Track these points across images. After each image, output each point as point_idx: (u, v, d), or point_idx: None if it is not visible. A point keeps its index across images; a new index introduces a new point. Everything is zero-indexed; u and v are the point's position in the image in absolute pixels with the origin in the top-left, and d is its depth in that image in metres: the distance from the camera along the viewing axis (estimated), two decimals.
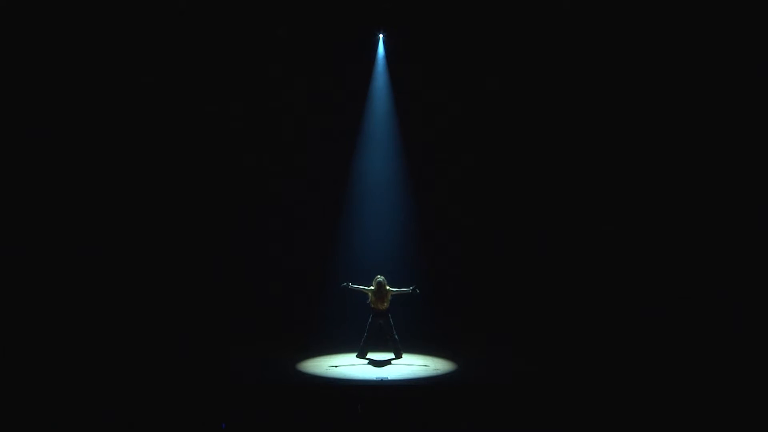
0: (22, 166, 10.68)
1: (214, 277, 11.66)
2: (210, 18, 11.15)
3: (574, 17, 11.07)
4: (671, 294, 10.84)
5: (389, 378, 9.20)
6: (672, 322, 10.66)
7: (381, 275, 10.26)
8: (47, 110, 10.78)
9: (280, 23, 11.24)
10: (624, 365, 9.48)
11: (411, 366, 9.93)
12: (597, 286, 11.33)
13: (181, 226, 11.60)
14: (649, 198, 11.23)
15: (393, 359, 10.17)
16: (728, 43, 10.59)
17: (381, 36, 11.87)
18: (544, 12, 11.14)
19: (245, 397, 7.95)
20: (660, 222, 11.15)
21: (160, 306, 11.26)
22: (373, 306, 10.20)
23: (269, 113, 11.80)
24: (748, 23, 10.42)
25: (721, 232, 10.74)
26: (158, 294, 11.30)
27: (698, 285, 10.71)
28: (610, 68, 11.24)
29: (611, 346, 10.45)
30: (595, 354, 10.26)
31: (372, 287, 10.17)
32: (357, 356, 10.26)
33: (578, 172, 11.64)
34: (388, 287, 10.17)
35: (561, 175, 11.72)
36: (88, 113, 11.11)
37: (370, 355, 10.31)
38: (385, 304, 10.16)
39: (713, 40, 10.66)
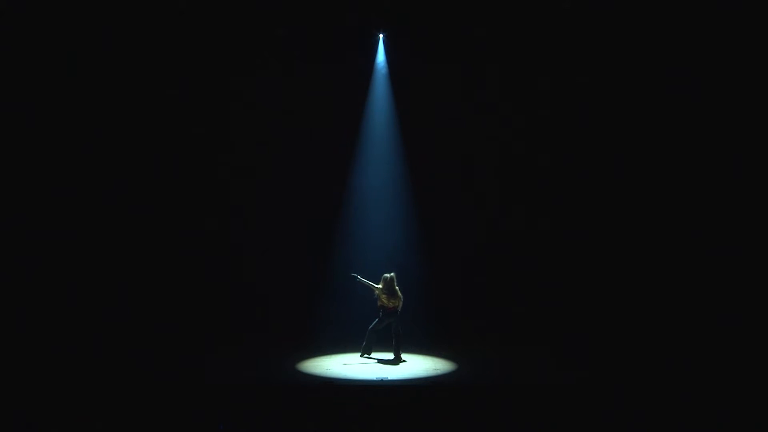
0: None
1: (214, 277, 11.66)
2: (208, 18, 11.13)
3: (576, 16, 11.04)
4: (669, 295, 10.86)
5: (389, 378, 9.20)
6: (672, 322, 10.68)
7: (390, 273, 10.21)
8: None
9: (278, 23, 11.21)
10: (624, 366, 9.48)
11: (411, 366, 9.92)
12: (597, 286, 11.32)
13: (183, 228, 11.60)
14: (644, 198, 11.25)
15: (392, 360, 10.16)
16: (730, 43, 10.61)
17: (381, 36, 11.85)
18: (547, 11, 11.11)
19: (245, 397, 7.94)
20: (660, 222, 11.17)
21: (160, 306, 11.26)
22: (380, 304, 10.17)
23: (268, 113, 11.79)
24: (749, 23, 10.42)
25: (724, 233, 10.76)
26: (158, 294, 11.30)
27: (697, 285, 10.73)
28: (611, 69, 11.23)
29: (612, 346, 10.45)
30: (595, 354, 10.26)
31: (380, 285, 10.15)
32: (361, 355, 10.27)
33: (578, 172, 11.63)
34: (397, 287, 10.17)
35: (562, 175, 11.71)
36: (84, 112, 11.12)
37: (371, 355, 10.32)
38: (396, 301, 10.13)
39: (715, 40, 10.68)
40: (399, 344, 10.17)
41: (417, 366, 9.92)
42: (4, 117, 10.60)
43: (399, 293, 10.15)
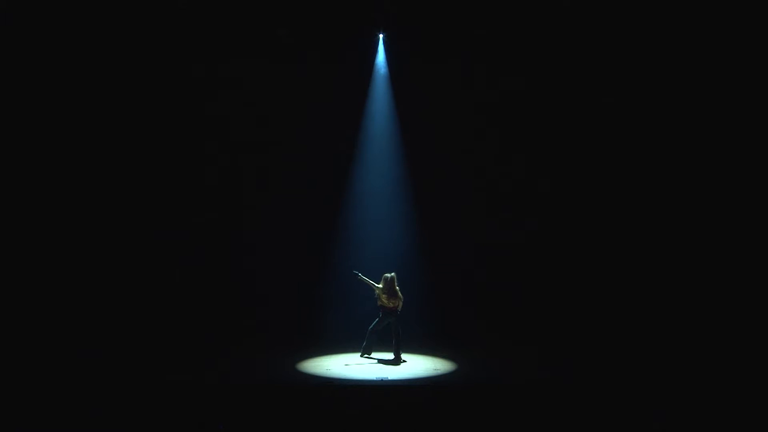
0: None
1: (214, 277, 11.67)
2: (208, 18, 11.12)
3: (576, 16, 11.04)
4: (669, 296, 10.87)
5: (389, 378, 9.19)
6: (672, 322, 10.69)
7: (391, 272, 10.20)
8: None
9: (280, 23, 11.21)
10: (625, 365, 9.48)
11: (411, 366, 9.92)
12: (597, 286, 11.33)
13: (183, 229, 11.61)
14: (643, 200, 11.27)
15: (392, 360, 10.15)
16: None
17: (381, 36, 11.85)
18: (547, 11, 11.09)
19: (245, 397, 7.94)
20: (659, 223, 11.18)
21: (160, 307, 11.27)
22: (380, 303, 10.17)
23: (268, 113, 11.79)
24: (749, 23, 10.42)
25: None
26: (158, 294, 11.31)
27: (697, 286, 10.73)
28: (611, 69, 11.23)
29: (612, 346, 10.45)
30: (595, 354, 10.26)
31: (380, 285, 10.15)
32: (361, 355, 10.27)
33: (579, 172, 11.65)
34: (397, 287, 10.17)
35: (563, 175, 11.73)
36: (84, 112, 11.13)
37: (372, 355, 10.32)
38: (396, 301, 10.13)
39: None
40: (399, 344, 10.16)
41: (417, 366, 9.92)
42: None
43: (399, 293, 10.15)
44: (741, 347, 9.76)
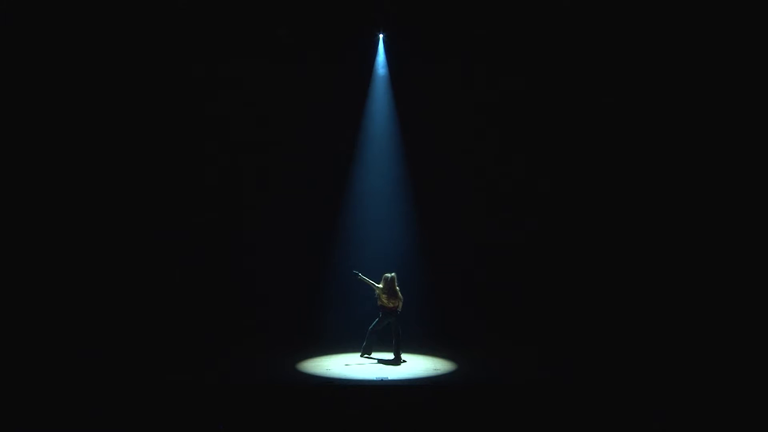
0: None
1: (214, 277, 11.67)
2: (208, 18, 11.12)
3: (576, 16, 11.04)
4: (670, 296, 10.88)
5: (389, 378, 9.20)
6: (671, 322, 10.69)
7: (391, 272, 10.19)
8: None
9: (280, 23, 11.21)
10: (624, 365, 9.48)
11: (411, 366, 9.92)
12: (597, 286, 11.33)
13: (183, 229, 11.61)
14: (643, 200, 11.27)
15: (392, 360, 10.15)
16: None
17: (381, 36, 11.85)
18: (547, 11, 11.09)
19: (245, 397, 7.94)
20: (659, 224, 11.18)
21: (161, 307, 11.27)
22: (380, 303, 10.17)
23: (268, 114, 11.79)
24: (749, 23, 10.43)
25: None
26: (159, 295, 11.31)
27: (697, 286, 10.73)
28: (613, 68, 11.23)
29: (612, 346, 10.45)
30: (595, 354, 10.26)
31: (380, 285, 10.14)
32: (361, 355, 10.27)
33: (579, 173, 11.65)
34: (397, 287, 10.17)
35: (563, 175, 11.73)
36: (86, 113, 11.14)
37: (372, 355, 10.32)
38: (396, 301, 10.13)
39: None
40: (399, 344, 10.15)
41: (417, 366, 9.92)
42: None
43: (399, 293, 10.15)
44: (741, 347, 9.77)
